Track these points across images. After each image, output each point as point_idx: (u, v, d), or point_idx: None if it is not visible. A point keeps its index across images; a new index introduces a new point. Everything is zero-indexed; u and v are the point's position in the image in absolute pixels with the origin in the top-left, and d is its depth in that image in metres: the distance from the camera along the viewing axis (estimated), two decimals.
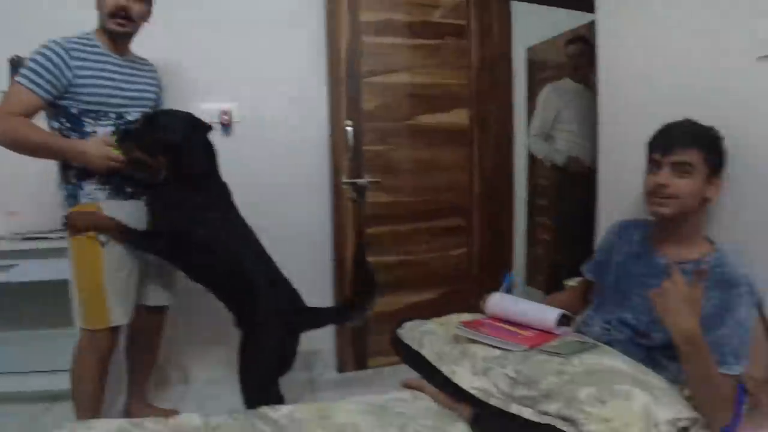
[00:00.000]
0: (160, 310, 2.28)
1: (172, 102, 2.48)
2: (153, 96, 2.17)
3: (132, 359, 2.34)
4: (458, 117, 2.89)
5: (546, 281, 3.80)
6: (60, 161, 1.97)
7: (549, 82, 3.62)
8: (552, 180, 3.65)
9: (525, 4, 3.12)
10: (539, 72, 3.93)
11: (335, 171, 2.69)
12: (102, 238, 1.94)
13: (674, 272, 1.27)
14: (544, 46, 3.90)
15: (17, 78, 1.86)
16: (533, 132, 3.57)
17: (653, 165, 1.51)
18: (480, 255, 2.97)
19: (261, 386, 1.96)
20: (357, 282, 2.11)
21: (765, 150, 1.54)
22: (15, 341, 2.65)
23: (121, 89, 2.01)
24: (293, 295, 2.09)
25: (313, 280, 2.39)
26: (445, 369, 1.48)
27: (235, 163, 2.68)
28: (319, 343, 2.80)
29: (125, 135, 1.91)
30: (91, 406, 2.03)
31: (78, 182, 1.96)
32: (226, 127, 2.72)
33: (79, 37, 1.95)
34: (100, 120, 1.95)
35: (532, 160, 3.99)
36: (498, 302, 1.59)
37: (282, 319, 1.97)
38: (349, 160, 2.65)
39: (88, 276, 1.96)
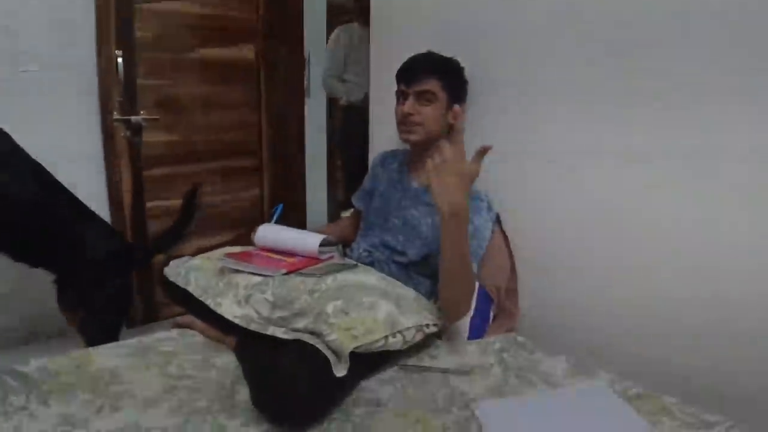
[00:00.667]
0: None
1: None
2: None
3: None
4: (244, 52, 2.78)
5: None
6: None
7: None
8: (342, 121, 3.74)
9: None
10: (338, 16, 3.95)
11: (104, 107, 2.43)
12: None
13: (443, 148, 1.30)
14: None
15: None
16: (327, 73, 3.59)
17: (400, 95, 1.61)
18: (272, 196, 2.95)
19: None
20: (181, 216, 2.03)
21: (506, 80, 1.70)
22: None
23: None
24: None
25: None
26: (211, 302, 1.46)
27: None
28: None
29: None
30: None
31: None
32: None
33: None
34: None
35: (331, 103, 4.04)
36: (265, 232, 1.60)
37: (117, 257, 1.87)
38: (120, 95, 2.42)
39: None
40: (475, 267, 1.50)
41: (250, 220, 2.86)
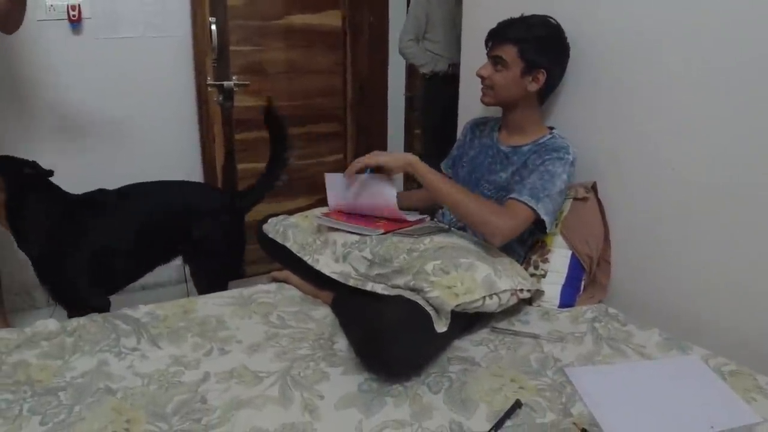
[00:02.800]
0: None
1: None
2: None
3: None
4: (330, 18, 2.80)
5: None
6: None
7: None
8: (421, 89, 3.69)
9: None
10: None
11: (199, 72, 2.53)
12: None
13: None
14: None
15: None
16: (407, 37, 3.51)
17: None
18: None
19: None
20: (272, 139, 2.07)
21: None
22: None
23: None
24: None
25: None
26: (309, 259, 1.52)
27: (87, 64, 2.48)
28: None
29: None
30: None
31: None
32: (75, 23, 2.44)
33: None
34: None
35: (410, 71, 4.00)
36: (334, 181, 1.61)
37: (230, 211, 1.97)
38: (213, 60, 2.50)
39: None
40: (527, 199, 1.46)
41: None
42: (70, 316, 1.75)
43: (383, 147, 3.16)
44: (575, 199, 1.66)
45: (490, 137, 1.73)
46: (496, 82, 1.58)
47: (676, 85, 1.47)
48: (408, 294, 1.26)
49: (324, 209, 1.66)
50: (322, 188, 2.85)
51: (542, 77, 1.56)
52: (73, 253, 1.77)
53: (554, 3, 1.75)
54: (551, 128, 1.64)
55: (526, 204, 1.45)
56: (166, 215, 1.89)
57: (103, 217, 1.83)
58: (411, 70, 3.90)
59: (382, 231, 1.45)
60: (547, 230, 1.53)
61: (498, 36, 1.58)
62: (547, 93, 1.65)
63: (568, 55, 1.64)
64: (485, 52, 1.64)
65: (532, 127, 1.63)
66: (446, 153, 1.92)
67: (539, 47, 1.56)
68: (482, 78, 1.61)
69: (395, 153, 1.50)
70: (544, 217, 1.46)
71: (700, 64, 1.41)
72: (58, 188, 1.84)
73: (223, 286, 1.82)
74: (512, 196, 1.48)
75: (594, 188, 1.68)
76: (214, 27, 2.47)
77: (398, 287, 1.30)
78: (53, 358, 1.27)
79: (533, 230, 1.59)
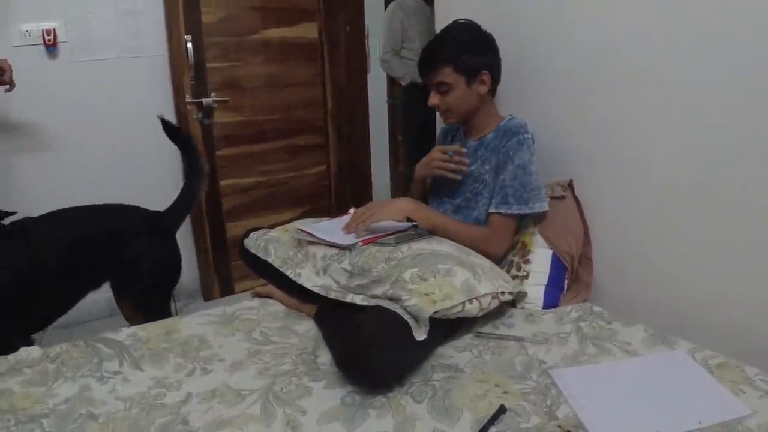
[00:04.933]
0: None
1: None
2: None
3: None
4: (306, 30, 2.81)
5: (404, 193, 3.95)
6: None
7: None
8: (402, 98, 3.72)
9: None
10: None
11: (177, 91, 2.53)
12: None
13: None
14: None
15: None
16: (386, 50, 3.56)
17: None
18: (339, 172, 2.99)
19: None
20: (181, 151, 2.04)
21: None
22: None
23: None
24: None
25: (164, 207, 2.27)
26: (291, 273, 1.51)
27: (63, 87, 2.47)
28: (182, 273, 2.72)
29: None
30: None
31: None
32: (51, 47, 2.44)
33: None
34: None
35: (391, 79, 4.03)
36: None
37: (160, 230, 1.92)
38: (191, 78, 2.50)
39: None
40: (517, 208, 1.57)
41: (318, 195, 2.93)
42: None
43: (366, 156, 3.17)
44: (552, 197, 1.67)
45: (459, 139, 1.79)
46: (451, 104, 1.64)
47: (650, 83, 1.48)
48: (386, 303, 1.26)
49: (305, 221, 1.66)
50: (306, 201, 2.88)
51: (487, 77, 1.62)
52: None
53: (526, 4, 1.77)
54: (507, 116, 1.70)
55: (514, 214, 1.58)
56: (90, 240, 1.78)
57: (23, 247, 1.68)
58: (392, 78, 3.93)
59: (360, 244, 1.44)
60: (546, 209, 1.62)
61: (428, 64, 1.63)
62: (495, 85, 1.69)
63: (495, 43, 1.67)
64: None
65: (491, 120, 1.70)
66: None
67: (471, 53, 1.60)
68: (437, 107, 1.67)
69: (389, 205, 1.55)
70: (540, 210, 1.59)
71: (673, 62, 1.42)
72: None
73: (159, 310, 1.79)
74: (500, 210, 1.57)
75: (571, 186, 1.69)
76: (190, 45, 2.47)
77: (377, 297, 1.29)
78: (36, 385, 1.26)
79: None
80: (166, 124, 1.97)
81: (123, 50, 2.54)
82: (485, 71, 1.61)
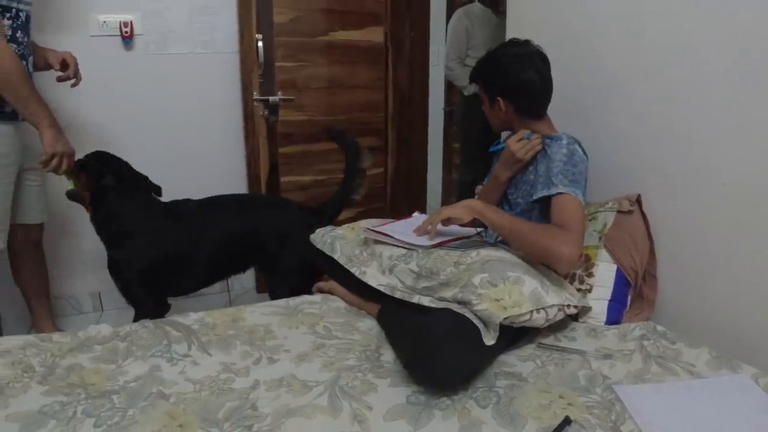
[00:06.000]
0: (36, 229, 2.20)
1: (72, 13, 2.32)
2: None
3: (24, 289, 2.26)
4: (373, 34, 2.85)
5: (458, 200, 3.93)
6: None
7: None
8: (461, 105, 3.71)
9: None
10: None
11: (245, 88, 2.60)
12: None
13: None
14: None
15: None
16: (450, 58, 3.54)
17: None
18: (395, 175, 3.01)
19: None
20: (344, 152, 2.12)
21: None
22: None
23: None
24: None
25: None
26: (356, 270, 1.54)
27: (138, 79, 2.58)
28: None
29: (82, 166, 1.92)
30: None
31: None
32: (128, 39, 2.55)
33: None
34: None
35: (449, 87, 4.02)
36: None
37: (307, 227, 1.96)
38: (260, 76, 2.57)
39: None
40: (565, 188, 1.45)
41: (373, 197, 2.96)
42: (137, 315, 1.85)
43: (423, 161, 3.17)
44: (619, 212, 1.64)
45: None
46: (488, 116, 1.70)
47: (724, 94, 1.44)
48: (455, 307, 1.27)
49: (371, 221, 1.68)
50: (361, 202, 2.89)
51: (503, 104, 1.62)
52: (138, 258, 1.86)
53: (597, 16, 1.75)
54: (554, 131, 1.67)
55: (569, 195, 1.44)
56: (242, 229, 1.95)
57: (181, 225, 1.91)
58: (450, 85, 3.93)
59: (429, 245, 1.46)
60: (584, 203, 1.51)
61: (472, 77, 1.71)
62: (524, 109, 1.63)
63: (510, 75, 1.59)
64: None
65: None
66: (486, 167, 1.93)
67: (486, 82, 1.65)
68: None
69: (459, 205, 1.50)
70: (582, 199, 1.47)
71: (751, 70, 1.37)
72: (145, 192, 1.96)
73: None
74: (551, 191, 1.46)
75: (638, 201, 1.66)
76: (260, 44, 2.53)
77: (445, 300, 1.30)
78: (106, 362, 1.32)
79: None
80: (334, 129, 2.08)
81: (196, 46, 2.64)
82: (498, 98, 1.62)
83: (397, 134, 2.98)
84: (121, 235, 1.89)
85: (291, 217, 2.02)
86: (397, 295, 1.40)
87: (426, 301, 1.33)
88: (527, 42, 1.62)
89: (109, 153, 2.01)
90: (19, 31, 1.86)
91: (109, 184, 1.88)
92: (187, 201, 1.99)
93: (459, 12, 3.52)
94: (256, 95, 2.58)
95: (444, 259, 1.39)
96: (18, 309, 2.37)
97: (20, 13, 1.87)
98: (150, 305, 1.89)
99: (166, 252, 1.88)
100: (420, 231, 1.51)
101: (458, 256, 1.38)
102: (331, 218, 2.06)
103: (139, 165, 2.61)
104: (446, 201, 4.17)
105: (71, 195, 1.96)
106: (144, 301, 1.90)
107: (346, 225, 1.73)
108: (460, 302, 1.26)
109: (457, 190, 3.99)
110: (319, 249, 1.67)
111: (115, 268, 1.91)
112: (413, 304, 1.35)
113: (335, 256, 1.61)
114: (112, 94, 2.58)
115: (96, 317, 2.64)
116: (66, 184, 1.98)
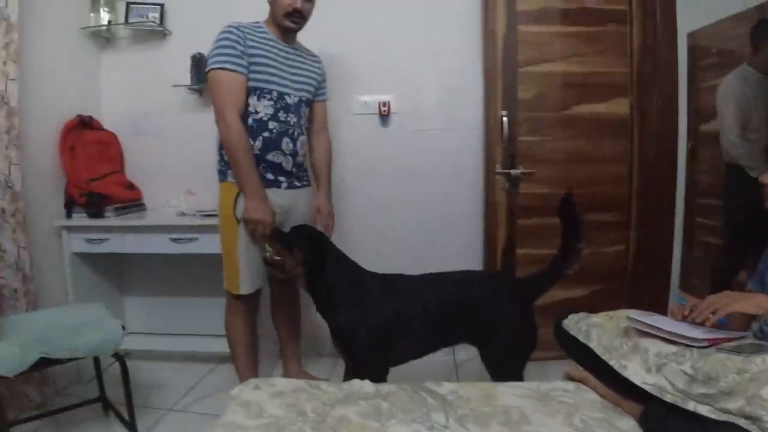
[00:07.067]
0: (291, 281, 2.40)
1: (337, 93, 2.68)
2: (314, 84, 2.34)
3: (277, 327, 2.56)
4: (617, 106, 2.77)
5: (710, 287, 3.49)
6: (219, 145, 2.18)
7: (714, 70, 3.28)
8: (721, 177, 3.31)
9: None
10: (701, 59, 3.63)
11: (488, 161, 2.71)
12: (239, 215, 2.12)
13: None
14: (708, 30, 3.59)
15: (213, 65, 2.06)
16: (731, 131, 3.01)
17: None
18: (638, 253, 2.83)
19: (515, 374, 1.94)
20: (565, 228, 2.02)
21: None
22: (193, 306, 3.03)
23: (284, 72, 2.19)
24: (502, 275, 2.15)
25: (464, 267, 2.44)
26: (615, 363, 1.46)
27: (391, 152, 2.86)
28: None
29: (277, 235, 2.07)
30: (247, 365, 2.28)
31: (227, 163, 2.15)
32: (384, 117, 2.86)
33: (250, 24, 2.16)
34: (262, 98, 2.14)
35: (692, 155, 3.69)
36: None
37: (520, 298, 1.99)
38: (503, 150, 2.66)
39: (227, 247, 2.20)
40: None
41: (612, 275, 2.81)
42: (353, 373, 1.93)
43: (669, 238, 2.93)
44: None
45: None
46: None
47: None
48: (743, 422, 1.13)
49: (633, 311, 1.60)
50: (600, 279, 2.78)
51: None
52: (364, 325, 1.94)
53: None
54: None
55: None
56: (455, 303, 1.96)
57: (398, 297, 1.97)
58: (693, 152, 3.59)
59: (706, 343, 1.34)
60: None
61: None
62: None
63: None
64: None
65: None
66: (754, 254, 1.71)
67: None
68: None
69: (745, 300, 1.38)
70: None
71: None
72: (355, 263, 2.05)
73: (515, 373, 1.88)
74: None
75: None
76: (505, 119, 2.63)
77: (729, 412, 1.17)
78: (371, 419, 1.43)
79: None
80: (566, 199, 2.01)
81: (444, 122, 2.85)
82: None
83: (640, 209, 2.81)
84: (341, 304, 1.97)
85: (505, 291, 2.00)
86: (668, 398, 1.30)
87: (705, 410, 1.21)
88: None
89: (314, 228, 2.15)
90: (281, 112, 2.18)
91: (323, 259, 1.99)
92: (402, 275, 2.05)
93: (735, 77, 3.06)
94: (498, 168, 2.67)
95: (725, 364, 1.25)
96: (271, 343, 2.68)
97: (285, 97, 2.19)
98: (373, 370, 1.92)
99: (384, 321, 1.93)
100: (700, 318, 1.39)
101: (741, 362, 1.24)
102: (542, 291, 2.02)
103: (384, 231, 2.87)
104: (685, 283, 3.76)
105: (267, 261, 2.09)
106: (368, 367, 1.94)
107: (604, 313, 1.67)
108: (748, 417, 1.13)
109: (707, 274, 3.54)
110: (572, 335, 1.63)
111: (337, 335, 2.01)
112: (688, 411, 1.24)
113: (591, 345, 1.56)
114: (369, 164, 2.89)
115: (332, 362, 2.88)
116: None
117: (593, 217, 2.75)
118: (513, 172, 2.67)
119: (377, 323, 1.93)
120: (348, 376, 2.09)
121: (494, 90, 2.70)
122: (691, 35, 3.65)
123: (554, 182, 2.73)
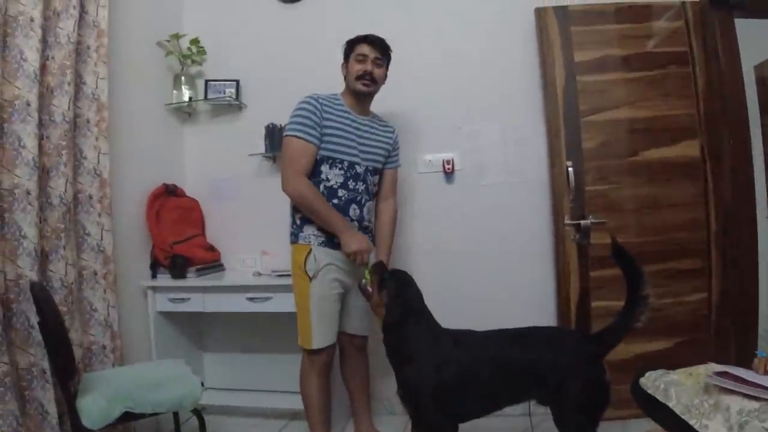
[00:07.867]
0: (360, 338, 2.51)
1: (404, 153, 2.75)
2: (383, 153, 2.45)
3: (347, 384, 2.60)
4: (687, 149, 2.69)
5: None
6: (293, 208, 2.31)
7: None
8: None
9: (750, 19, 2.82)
10: None
11: (556, 213, 2.69)
12: (310, 272, 2.22)
13: None
14: None
15: (288, 132, 2.23)
16: None
17: None
18: (721, 301, 2.67)
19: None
20: (626, 277, 1.96)
21: None
22: (268, 363, 3.12)
23: (355, 143, 2.32)
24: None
25: (536, 321, 2.38)
26: (695, 423, 1.40)
27: (457, 208, 2.90)
28: None
29: (379, 269, 2.14)
30: (320, 422, 2.32)
31: (300, 224, 2.29)
32: (449, 174, 2.92)
33: (328, 95, 2.32)
34: (333, 167, 2.27)
35: None
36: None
37: (588, 355, 1.94)
38: (570, 201, 2.63)
39: (300, 304, 2.28)
40: None
41: (695, 326, 2.67)
42: (418, 428, 1.96)
43: (754, 284, 2.75)
44: None
45: None
46: None
47: None
48: None
49: (710, 366, 1.53)
50: (682, 331, 2.64)
51: None
52: (433, 380, 1.93)
53: None
54: None
55: None
56: (521, 360, 1.93)
57: (466, 353, 1.96)
58: None
59: None
60: None
61: None
62: None
63: None
64: None
65: None
66: None
67: None
68: None
69: None
70: None
71: None
72: (434, 321, 2.07)
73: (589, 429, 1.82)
74: None
75: None
76: (570, 169, 2.62)
77: None
78: None
79: None
80: (616, 245, 1.98)
81: (508, 175, 2.87)
82: None
83: (721, 255, 2.68)
84: (411, 358, 1.99)
85: (572, 348, 1.94)
86: None
87: None
88: None
89: (409, 278, 2.15)
90: (351, 180, 2.30)
91: (407, 314, 2.02)
92: (472, 331, 2.04)
93: None
94: (567, 220, 2.64)
95: None
96: (343, 398, 2.69)
97: (355, 166, 2.31)
98: (437, 427, 1.95)
99: (452, 377, 1.92)
100: None
101: None
102: (611, 347, 1.93)
103: (453, 287, 2.86)
104: None
105: (361, 287, 2.16)
106: (433, 423, 1.95)
107: (683, 369, 1.60)
108: None
109: None
110: (650, 395, 1.57)
111: (403, 385, 2.02)
112: None
113: (670, 404, 1.49)
114: (436, 222, 2.93)
115: (404, 421, 2.80)
116: None
117: (670, 265, 2.65)
118: (583, 222, 2.62)
119: (444, 379, 1.93)
120: (414, 431, 2.09)
121: (557, 141, 2.70)
122: (758, 68, 3.53)
123: (628, 230, 2.65)
